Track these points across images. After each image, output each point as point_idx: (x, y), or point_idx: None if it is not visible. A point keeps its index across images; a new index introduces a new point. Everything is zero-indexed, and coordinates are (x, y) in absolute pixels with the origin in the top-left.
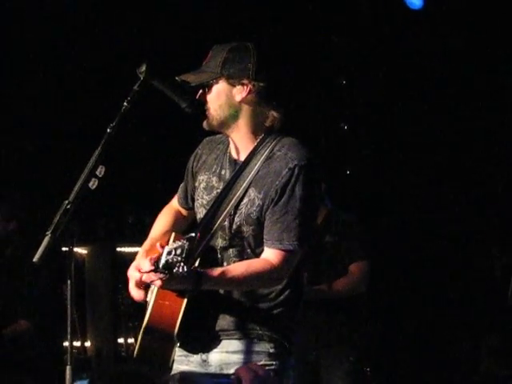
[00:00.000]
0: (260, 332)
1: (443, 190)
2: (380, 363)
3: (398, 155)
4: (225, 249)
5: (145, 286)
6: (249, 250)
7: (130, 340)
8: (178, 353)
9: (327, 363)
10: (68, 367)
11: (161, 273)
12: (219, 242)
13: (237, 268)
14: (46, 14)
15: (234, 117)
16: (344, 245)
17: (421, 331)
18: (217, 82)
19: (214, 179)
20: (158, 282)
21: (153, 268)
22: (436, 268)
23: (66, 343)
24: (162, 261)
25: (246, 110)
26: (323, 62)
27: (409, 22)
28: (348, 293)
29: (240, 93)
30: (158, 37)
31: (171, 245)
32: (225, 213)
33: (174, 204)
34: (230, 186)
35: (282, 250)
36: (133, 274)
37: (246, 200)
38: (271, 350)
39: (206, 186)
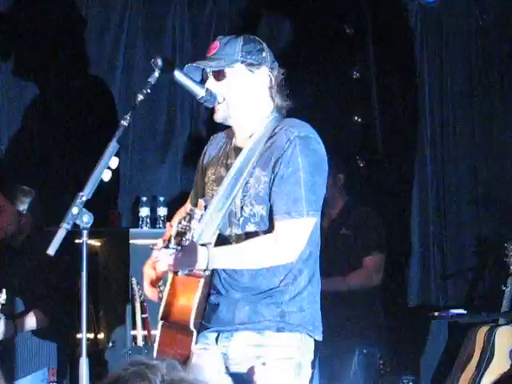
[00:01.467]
0: (281, 325)
1: (455, 181)
2: (394, 355)
3: (412, 148)
4: (238, 236)
5: (159, 285)
6: (262, 235)
7: (143, 332)
8: (198, 346)
9: (340, 355)
10: (82, 358)
11: (172, 248)
12: (232, 232)
13: (247, 245)
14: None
15: (244, 103)
16: (359, 237)
17: (436, 324)
18: (234, 69)
19: (222, 169)
20: (170, 260)
21: (164, 245)
22: (450, 260)
23: (80, 335)
24: (173, 232)
25: (256, 97)
26: (336, 54)
27: (423, 15)
28: (362, 286)
29: (254, 80)
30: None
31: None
32: (233, 194)
33: (187, 206)
34: (235, 169)
35: (292, 222)
36: (148, 272)
37: (252, 181)
38: (292, 343)
39: (215, 178)
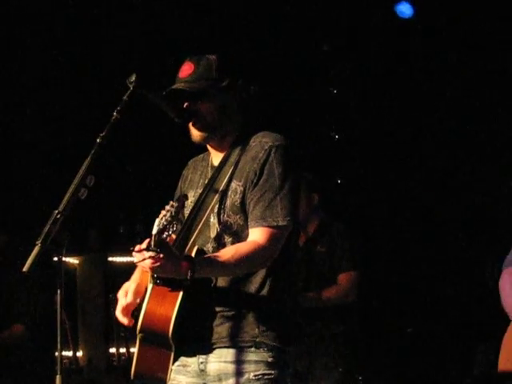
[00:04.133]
0: (258, 340)
1: (434, 197)
2: (372, 372)
3: (389, 164)
4: (214, 249)
5: (133, 313)
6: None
7: (122, 349)
8: (177, 363)
9: (316, 373)
10: (58, 376)
11: (152, 251)
12: (209, 248)
13: (227, 252)
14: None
15: (222, 123)
16: (334, 254)
17: (413, 340)
18: (209, 89)
19: (200, 190)
20: (148, 262)
21: (145, 247)
22: (428, 276)
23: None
24: (154, 231)
25: (231, 114)
26: (314, 71)
27: (399, 30)
28: (336, 302)
29: (229, 98)
30: (147, 47)
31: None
32: (210, 208)
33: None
34: (211, 184)
35: (267, 228)
36: (121, 299)
37: (229, 192)
38: (269, 360)
39: (193, 199)
